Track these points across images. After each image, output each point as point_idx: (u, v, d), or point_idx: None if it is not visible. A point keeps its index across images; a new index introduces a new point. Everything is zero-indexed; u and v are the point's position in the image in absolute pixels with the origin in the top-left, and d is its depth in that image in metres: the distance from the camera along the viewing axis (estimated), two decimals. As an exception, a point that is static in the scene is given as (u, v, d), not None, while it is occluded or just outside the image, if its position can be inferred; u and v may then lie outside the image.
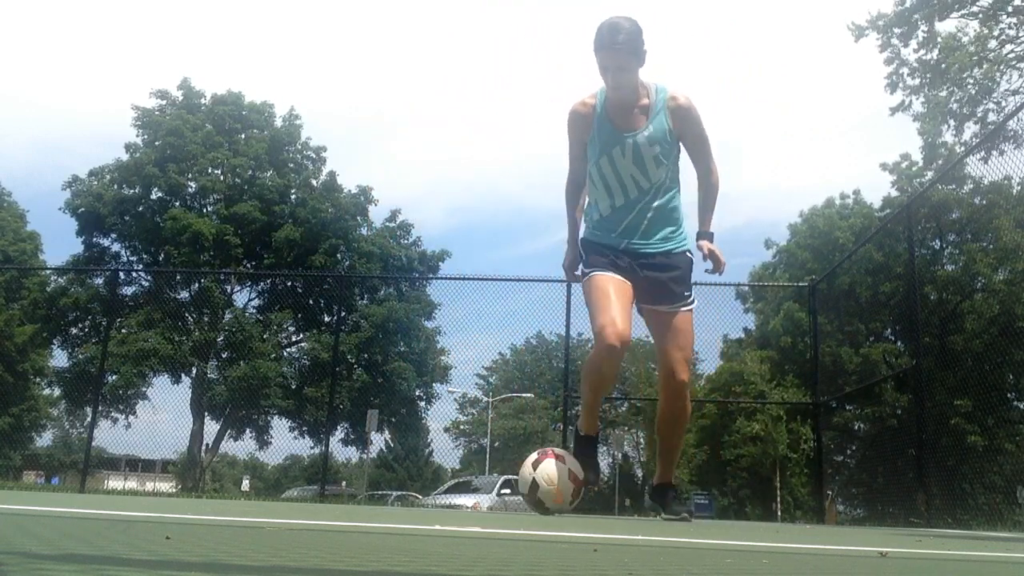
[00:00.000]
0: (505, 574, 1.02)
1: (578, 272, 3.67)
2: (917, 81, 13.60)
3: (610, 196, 3.49)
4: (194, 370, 23.35)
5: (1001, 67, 12.93)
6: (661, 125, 3.42)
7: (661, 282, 3.48)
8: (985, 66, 12.87)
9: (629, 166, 3.42)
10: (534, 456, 3.73)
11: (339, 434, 22.44)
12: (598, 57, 3.30)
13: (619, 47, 3.24)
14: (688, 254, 3.58)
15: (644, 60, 3.34)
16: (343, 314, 21.78)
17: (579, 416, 3.90)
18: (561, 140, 3.70)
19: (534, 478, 3.57)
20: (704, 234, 3.59)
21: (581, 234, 3.69)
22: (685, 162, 3.62)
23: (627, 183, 3.45)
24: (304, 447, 32.90)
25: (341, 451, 31.66)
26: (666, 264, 3.50)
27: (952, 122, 13.49)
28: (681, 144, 3.53)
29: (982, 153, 10.35)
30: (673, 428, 3.72)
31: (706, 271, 3.53)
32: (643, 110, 3.41)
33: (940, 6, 13.16)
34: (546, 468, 3.58)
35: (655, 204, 3.47)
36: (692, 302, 3.56)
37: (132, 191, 25.24)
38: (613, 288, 3.38)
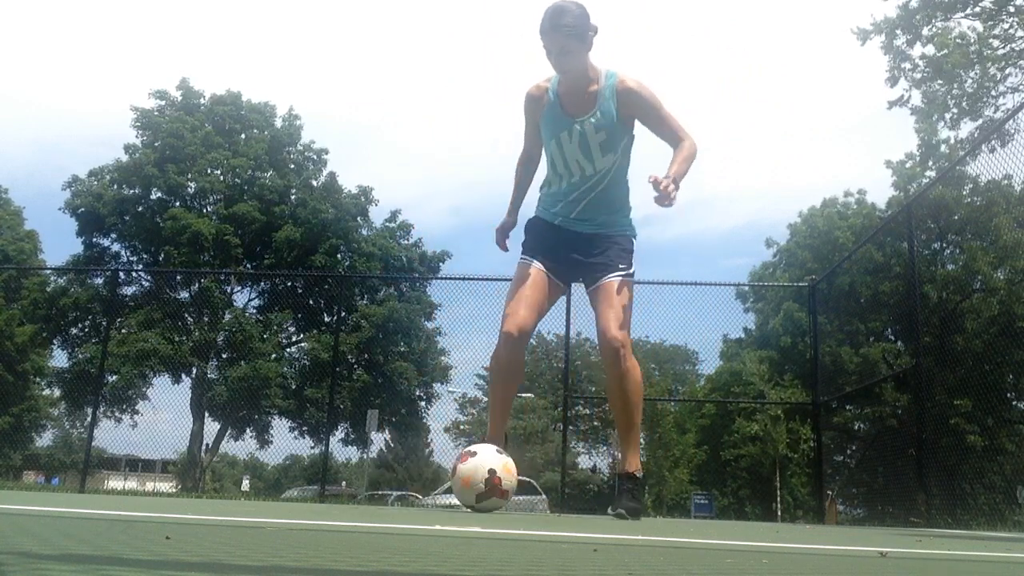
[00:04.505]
0: (505, 574, 1.02)
1: (508, 239, 3.77)
2: (919, 75, 13.57)
3: (557, 177, 3.54)
4: (194, 370, 23.37)
5: (1001, 65, 12.91)
6: (609, 111, 3.37)
7: (588, 264, 3.49)
8: (984, 63, 12.85)
9: (575, 151, 3.42)
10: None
11: (339, 434, 22.48)
12: (543, 40, 3.27)
13: (561, 29, 3.20)
14: (629, 238, 3.55)
15: (591, 44, 3.31)
16: (343, 314, 21.78)
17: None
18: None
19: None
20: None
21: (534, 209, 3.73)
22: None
23: (572, 167, 3.47)
24: (304, 447, 32.93)
25: (341, 451, 31.66)
26: (596, 245, 3.49)
27: (948, 117, 13.47)
28: (645, 126, 3.47)
29: (971, 149, 10.33)
30: (620, 399, 3.43)
31: (655, 200, 3.17)
32: (592, 95, 3.39)
33: (943, 6, 13.14)
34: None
35: (597, 191, 3.48)
36: (627, 273, 3.46)
37: (132, 191, 25.26)
38: (530, 280, 3.47)
